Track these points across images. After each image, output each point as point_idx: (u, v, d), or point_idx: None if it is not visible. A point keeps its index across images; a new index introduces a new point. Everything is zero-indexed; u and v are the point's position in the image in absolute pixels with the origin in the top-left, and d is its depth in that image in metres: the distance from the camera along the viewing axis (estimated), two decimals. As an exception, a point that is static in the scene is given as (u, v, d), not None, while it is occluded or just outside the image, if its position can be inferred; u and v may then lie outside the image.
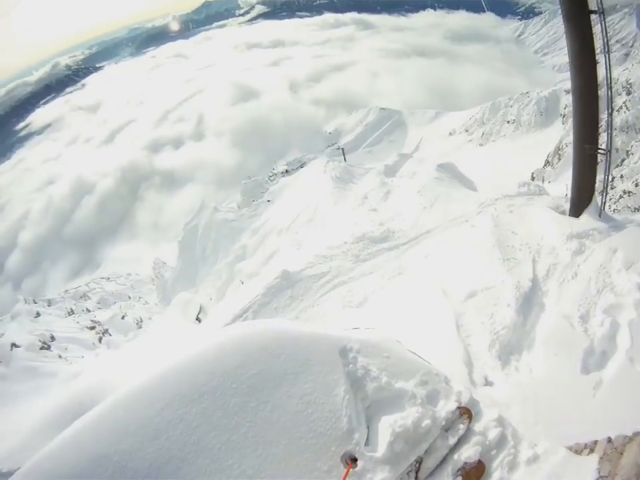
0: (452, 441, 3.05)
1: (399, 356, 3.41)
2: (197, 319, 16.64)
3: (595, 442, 2.95)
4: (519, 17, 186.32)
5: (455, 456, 3.03)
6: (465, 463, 2.99)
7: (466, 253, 6.84)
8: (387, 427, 2.91)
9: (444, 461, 3.03)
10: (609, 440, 2.81)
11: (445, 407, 3.12)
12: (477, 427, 3.20)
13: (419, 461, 2.94)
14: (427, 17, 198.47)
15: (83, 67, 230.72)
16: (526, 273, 5.72)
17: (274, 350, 3.05)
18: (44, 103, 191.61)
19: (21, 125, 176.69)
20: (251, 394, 2.86)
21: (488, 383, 4.30)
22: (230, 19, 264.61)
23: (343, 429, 2.82)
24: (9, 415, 12.80)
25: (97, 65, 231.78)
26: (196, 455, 2.62)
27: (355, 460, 2.74)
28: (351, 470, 2.68)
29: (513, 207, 8.11)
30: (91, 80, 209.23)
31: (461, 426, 3.13)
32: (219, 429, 2.73)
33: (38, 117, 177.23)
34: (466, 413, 3.20)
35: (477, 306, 5.35)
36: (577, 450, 3.07)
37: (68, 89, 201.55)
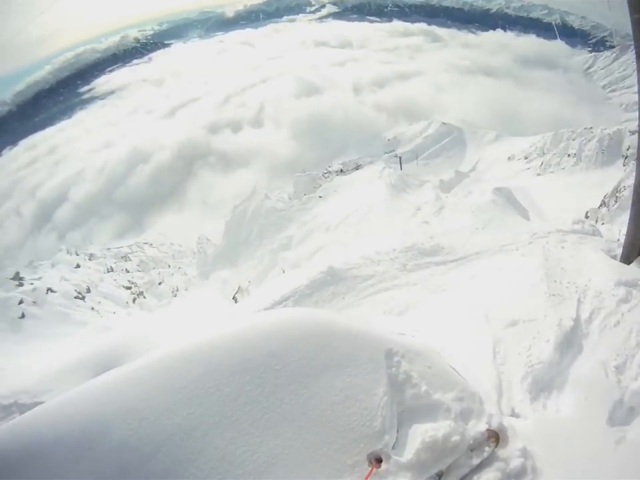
0: (475, 461, 3.07)
1: (439, 368, 3.46)
2: (233, 298, 17.07)
3: None
4: (590, 48, 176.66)
5: (475, 477, 3.04)
6: (483, 486, 3.01)
7: (513, 281, 6.71)
8: (417, 435, 2.96)
9: (463, 479, 3.05)
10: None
11: (475, 427, 3.16)
12: (501, 453, 3.19)
13: (440, 475, 2.97)
14: (497, 37, 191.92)
15: (151, 41, 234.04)
16: (569, 312, 5.55)
17: (321, 339, 3.11)
18: (110, 71, 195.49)
19: (86, 87, 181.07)
20: (292, 377, 2.89)
21: (514, 414, 4.26)
22: (300, 15, 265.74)
23: (375, 428, 2.86)
24: (34, 352, 13.57)
25: (165, 42, 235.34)
26: (226, 426, 2.62)
27: (379, 461, 2.78)
28: (374, 470, 2.72)
29: (565, 242, 7.89)
30: (158, 55, 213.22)
31: (487, 449, 3.15)
32: (254, 406, 2.74)
33: (103, 82, 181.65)
34: (494, 436, 3.22)
35: (516, 336, 5.26)
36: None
37: (135, 61, 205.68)
